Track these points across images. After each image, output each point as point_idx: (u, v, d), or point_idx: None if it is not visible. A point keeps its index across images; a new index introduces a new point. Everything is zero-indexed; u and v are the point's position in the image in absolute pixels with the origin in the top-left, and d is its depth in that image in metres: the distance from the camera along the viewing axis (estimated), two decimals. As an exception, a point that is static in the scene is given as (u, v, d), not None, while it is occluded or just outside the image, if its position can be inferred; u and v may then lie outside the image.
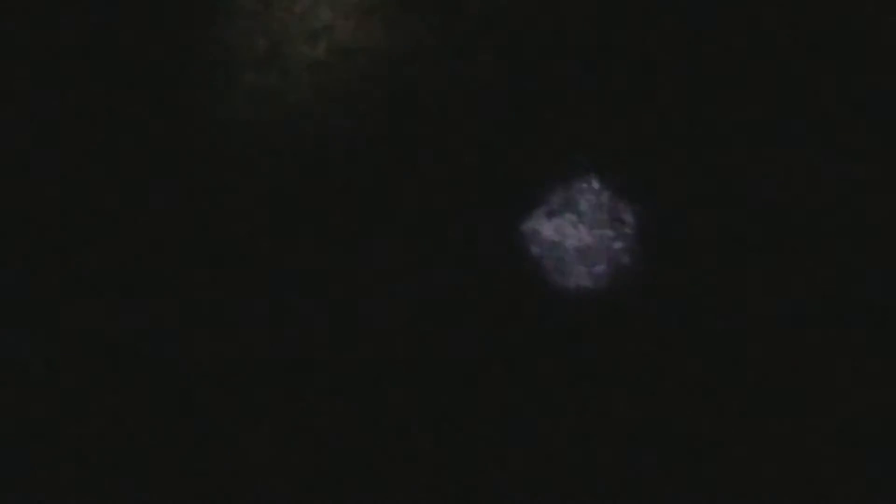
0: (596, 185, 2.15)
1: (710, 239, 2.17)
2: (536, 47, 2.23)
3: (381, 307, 2.16)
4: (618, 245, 2.14)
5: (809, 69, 2.23)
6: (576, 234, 2.14)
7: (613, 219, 2.15)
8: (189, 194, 2.19)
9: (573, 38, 2.23)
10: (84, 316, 2.16)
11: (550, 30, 2.24)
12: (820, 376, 2.13)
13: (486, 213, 2.17)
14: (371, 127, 2.21)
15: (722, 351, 2.14)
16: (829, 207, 2.18)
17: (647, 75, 2.22)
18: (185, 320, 2.15)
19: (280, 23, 2.26)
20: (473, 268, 2.15)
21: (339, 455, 2.13)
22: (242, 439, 2.13)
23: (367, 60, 2.23)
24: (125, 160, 2.20)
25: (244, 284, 2.16)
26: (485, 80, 2.21)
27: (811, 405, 2.13)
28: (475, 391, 2.14)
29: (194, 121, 2.22)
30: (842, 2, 2.25)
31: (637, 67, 2.22)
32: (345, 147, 2.21)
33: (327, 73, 2.23)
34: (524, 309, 2.15)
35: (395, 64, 2.23)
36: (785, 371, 2.14)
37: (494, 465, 2.12)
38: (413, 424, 2.13)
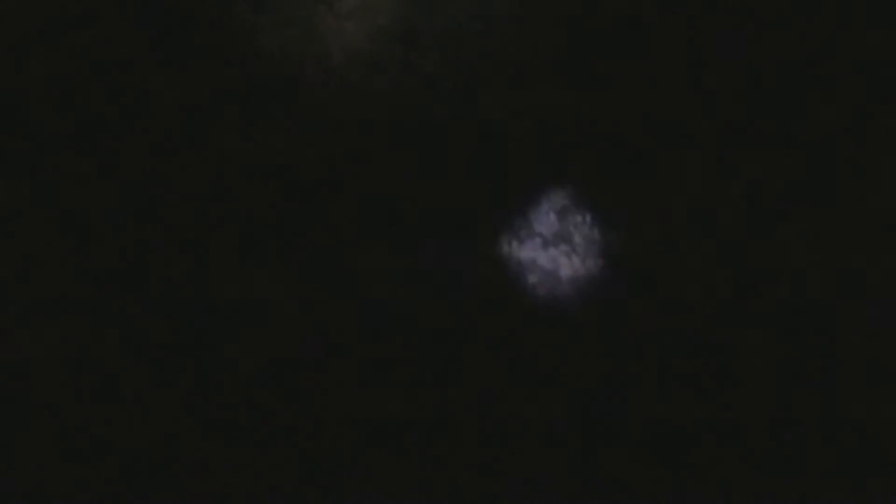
0: (591, 216, 2.24)
1: (702, 271, 2.25)
2: (536, 84, 2.31)
3: (377, 332, 2.25)
4: (610, 275, 2.22)
5: (797, 97, 2.31)
6: (570, 263, 2.24)
7: (606, 250, 2.23)
8: (197, 216, 2.28)
9: (571, 73, 2.32)
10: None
11: (550, 66, 2.32)
12: (810, 399, 2.20)
13: (485, 241, 2.26)
14: (379, 157, 2.31)
15: (713, 377, 2.23)
16: (816, 233, 2.27)
17: (645, 110, 2.30)
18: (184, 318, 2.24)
19: (296, 62, 2.36)
20: (472, 293, 2.23)
21: (327, 460, 2.21)
22: (238, 439, 2.23)
23: (375, 97, 2.33)
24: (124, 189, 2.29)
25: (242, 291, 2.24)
26: (486, 116, 2.30)
27: (800, 427, 2.21)
28: (468, 415, 2.23)
29: (211, 148, 2.31)
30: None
31: (636, 101, 2.31)
32: (352, 174, 2.31)
33: (338, 108, 2.33)
34: (520, 334, 2.24)
35: (400, 100, 2.32)
36: (776, 394, 2.22)
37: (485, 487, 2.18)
38: (402, 451, 2.22)
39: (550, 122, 2.30)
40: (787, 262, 2.24)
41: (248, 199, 2.29)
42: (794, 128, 2.28)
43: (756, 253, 2.24)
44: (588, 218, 2.25)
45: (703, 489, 2.17)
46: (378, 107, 2.32)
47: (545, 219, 2.25)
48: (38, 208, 2.25)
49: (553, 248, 2.25)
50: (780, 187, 2.26)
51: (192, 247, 2.27)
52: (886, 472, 2.16)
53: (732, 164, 2.27)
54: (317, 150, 2.31)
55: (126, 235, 2.26)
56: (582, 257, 2.24)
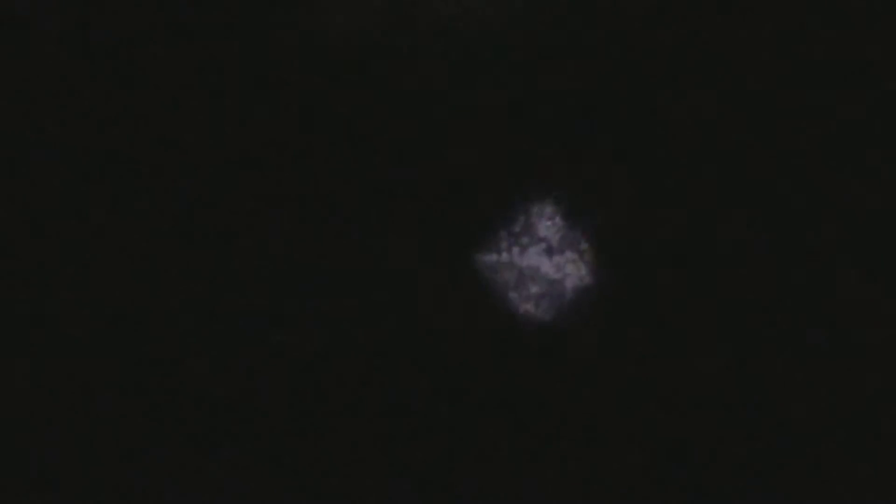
0: (597, 224, 2.14)
1: (707, 280, 2.15)
2: (537, 86, 2.22)
3: (374, 339, 2.13)
4: (615, 283, 2.12)
5: (806, 99, 2.22)
6: (576, 271, 2.13)
7: (613, 258, 2.13)
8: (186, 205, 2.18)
9: (576, 68, 2.22)
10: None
11: (555, 61, 2.23)
12: (803, 403, 2.11)
13: (488, 248, 2.15)
14: (375, 157, 2.21)
15: (720, 386, 2.12)
16: (808, 244, 2.16)
17: (646, 118, 2.21)
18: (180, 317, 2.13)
19: (297, 57, 2.26)
20: (473, 301, 2.13)
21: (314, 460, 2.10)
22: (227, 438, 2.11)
23: (373, 93, 2.23)
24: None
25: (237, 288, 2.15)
26: (486, 117, 2.20)
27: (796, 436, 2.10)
28: (464, 427, 2.11)
29: (205, 140, 2.21)
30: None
31: (638, 109, 2.21)
32: (350, 173, 2.20)
33: (332, 103, 2.23)
34: (524, 343, 2.13)
35: (399, 95, 2.22)
36: (783, 400, 2.11)
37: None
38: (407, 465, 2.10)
39: (555, 118, 2.19)
40: (792, 271, 2.15)
41: (243, 200, 2.18)
42: (800, 134, 2.19)
43: (761, 260, 2.15)
44: (595, 222, 2.14)
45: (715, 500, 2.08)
46: (373, 101, 2.22)
47: (549, 223, 2.14)
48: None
49: (558, 256, 2.13)
50: (787, 196, 2.17)
51: (185, 244, 2.16)
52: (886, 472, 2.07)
53: (741, 171, 2.18)
54: (311, 146, 2.20)
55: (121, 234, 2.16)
56: (588, 265, 2.13)
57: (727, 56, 2.21)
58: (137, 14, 2.18)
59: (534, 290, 2.11)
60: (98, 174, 2.19)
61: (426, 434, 2.12)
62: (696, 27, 2.21)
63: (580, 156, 2.18)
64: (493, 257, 2.13)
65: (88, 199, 2.18)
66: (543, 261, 2.13)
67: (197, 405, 2.13)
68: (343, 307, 2.15)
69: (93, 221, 2.18)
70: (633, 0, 2.20)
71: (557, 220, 2.14)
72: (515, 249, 2.13)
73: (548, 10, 2.20)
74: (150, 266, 2.17)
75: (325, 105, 2.21)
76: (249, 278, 2.16)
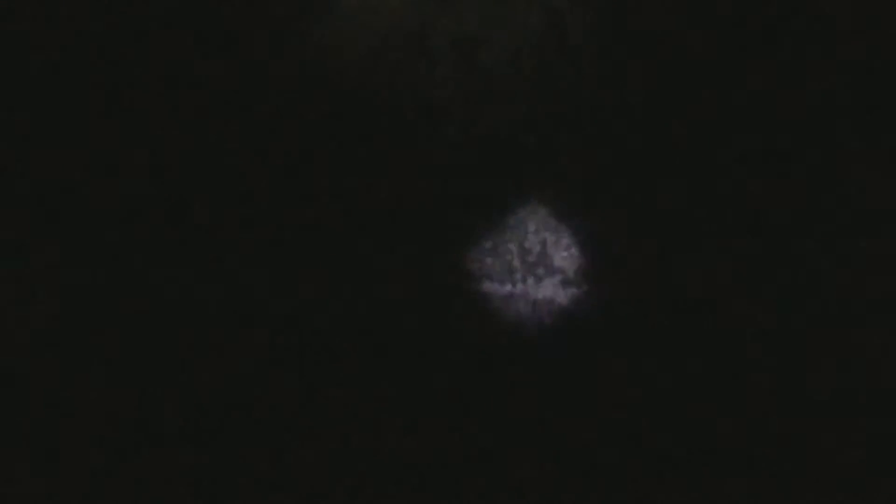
0: (612, 253, 2.11)
1: (725, 309, 2.12)
2: (554, 113, 2.22)
3: (382, 368, 2.11)
4: (633, 314, 2.09)
5: (805, 103, 2.21)
6: (590, 301, 2.10)
7: (629, 288, 2.10)
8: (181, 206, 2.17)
9: (590, 106, 2.22)
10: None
11: (567, 98, 2.23)
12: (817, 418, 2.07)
13: (501, 279, 2.13)
14: (387, 184, 2.20)
15: (733, 414, 2.08)
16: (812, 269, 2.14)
17: (662, 142, 2.20)
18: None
19: (298, 67, 2.27)
20: (487, 332, 2.11)
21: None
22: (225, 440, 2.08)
23: (383, 111, 2.23)
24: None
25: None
26: (495, 138, 2.19)
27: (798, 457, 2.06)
28: (474, 460, 2.08)
29: (208, 150, 2.21)
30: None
31: (652, 131, 2.20)
32: (360, 200, 2.19)
33: (350, 121, 2.23)
34: (536, 375, 2.10)
35: (411, 121, 2.22)
36: (787, 418, 2.07)
37: None
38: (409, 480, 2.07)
39: (570, 140, 2.18)
40: (803, 300, 2.12)
41: (243, 203, 2.17)
42: (804, 141, 2.18)
43: (779, 294, 2.12)
44: (615, 252, 2.11)
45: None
46: (384, 127, 2.21)
47: (565, 254, 2.12)
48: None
49: (574, 287, 2.10)
50: (804, 225, 2.15)
51: (185, 241, 2.15)
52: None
53: (759, 203, 2.16)
54: (317, 163, 2.19)
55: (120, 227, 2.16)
56: (603, 295, 2.10)
57: (738, 80, 2.21)
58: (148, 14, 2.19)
59: (548, 321, 2.08)
60: (96, 173, 2.19)
61: (429, 467, 2.08)
62: (702, 45, 2.21)
63: (597, 185, 2.16)
64: (507, 288, 2.10)
65: (87, 198, 2.18)
66: (559, 292, 2.10)
67: (197, 405, 2.11)
68: (349, 332, 2.13)
69: (92, 220, 2.17)
70: (643, 27, 2.20)
71: (573, 250, 2.11)
72: (530, 280, 2.11)
73: (560, 34, 2.20)
74: (148, 267, 2.16)
75: (333, 129, 2.21)
76: (247, 293, 2.15)
